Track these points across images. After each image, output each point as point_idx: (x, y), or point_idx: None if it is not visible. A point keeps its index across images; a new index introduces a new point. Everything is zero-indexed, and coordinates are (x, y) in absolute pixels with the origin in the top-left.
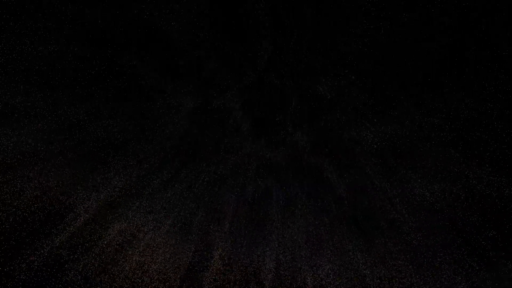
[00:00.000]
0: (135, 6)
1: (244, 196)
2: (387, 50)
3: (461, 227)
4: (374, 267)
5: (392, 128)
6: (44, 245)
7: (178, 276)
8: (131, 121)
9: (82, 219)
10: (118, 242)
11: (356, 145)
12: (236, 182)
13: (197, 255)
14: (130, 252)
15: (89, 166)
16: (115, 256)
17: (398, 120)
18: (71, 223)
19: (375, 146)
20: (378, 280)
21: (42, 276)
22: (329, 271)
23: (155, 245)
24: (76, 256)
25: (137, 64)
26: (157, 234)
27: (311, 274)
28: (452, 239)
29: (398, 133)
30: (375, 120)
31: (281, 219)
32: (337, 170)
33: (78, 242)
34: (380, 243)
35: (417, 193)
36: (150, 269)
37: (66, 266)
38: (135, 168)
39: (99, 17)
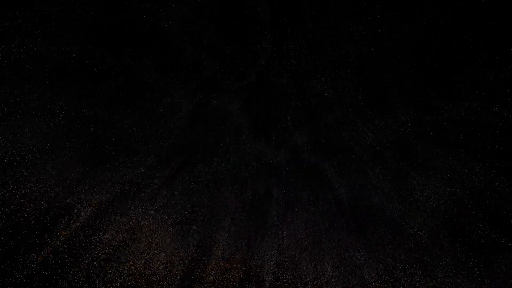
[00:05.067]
0: (135, 6)
1: (244, 196)
2: (387, 50)
3: (461, 226)
4: (374, 267)
5: (392, 127)
6: (43, 245)
7: (178, 275)
8: (130, 121)
9: (81, 218)
10: (117, 242)
11: (356, 145)
12: (236, 182)
13: (197, 255)
14: (129, 252)
15: (88, 166)
16: (114, 256)
17: (398, 119)
18: (71, 222)
19: (375, 146)
20: (378, 280)
21: (42, 276)
22: (329, 271)
23: (155, 245)
24: (75, 256)
25: (137, 64)
26: (157, 234)
27: (311, 274)
28: (452, 239)
29: (398, 132)
30: (375, 119)
31: (281, 219)
32: (337, 170)
33: (77, 242)
34: (380, 243)
35: (417, 193)
36: (150, 268)
37: (66, 265)
38: (134, 168)
39: (99, 17)
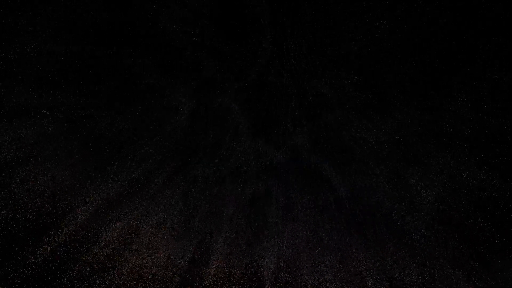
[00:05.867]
0: (135, 6)
1: (244, 196)
2: (387, 50)
3: (462, 226)
4: (374, 267)
5: (392, 127)
6: (44, 245)
7: (178, 276)
8: (130, 121)
9: (81, 218)
10: (117, 242)
11: (356, 145)
12: (236, 182)
13: (196, 255)
14: (129, 252)
15: (88, 166)
16: (114, 256)
17: (398, 119)
18: (71, 222)
19: (375, 146)
20: (378, 280)
21: (41, 276)
22: (329, 271)
23: (154, 245)
24: (75, 256)
25: (137, 64)
26: (156, 234)
27: (311, 274)
28: (452, 239)
29: (398, 132)
30: (375, 119)
31: (281, 219)
32: (337, 170)
33: (77, 242)
34: (380, 243)
35: (417, 193)
36: (150, 268)
37: (66, 265)
38: (134, 168)
39: (99, 17)
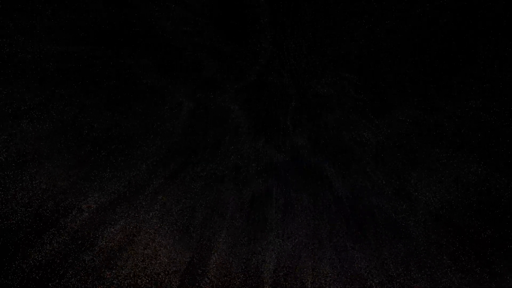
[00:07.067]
0: (135, 6)
1: (244, 196)
2: (387, 50)
3: (461, 227)
4: (374, 267)
5: (392, 127)
6: (44, 245)
7: (178, 276)
8: (130, 121)
9: (81, 219)
10: (118, 242)
11: (356, 145)
12: (235, 182)
13: (196, 255)
14: (129, 252)
15: (88, 166)
16: (114, 256)
17: (398, 119)
18: (71, 222)
19: (375, 146)
20: (378, 280)
21: (41, 276)
22: (329, 271)
23: (155, 245)
24: (75, 255)
25: (137, 64)
26: (157, 234)
27: (311, 274)
28: (451, 239)
29: (398, 132)
30: (375, 119)
31: (281, 219)
32: (337, 170)
33: (77, 242)
34: (380, 243)
35: (417, 193)
36: (149, 269)
37: (66, 265)
38: (134, 168)
39: (99, 17)
